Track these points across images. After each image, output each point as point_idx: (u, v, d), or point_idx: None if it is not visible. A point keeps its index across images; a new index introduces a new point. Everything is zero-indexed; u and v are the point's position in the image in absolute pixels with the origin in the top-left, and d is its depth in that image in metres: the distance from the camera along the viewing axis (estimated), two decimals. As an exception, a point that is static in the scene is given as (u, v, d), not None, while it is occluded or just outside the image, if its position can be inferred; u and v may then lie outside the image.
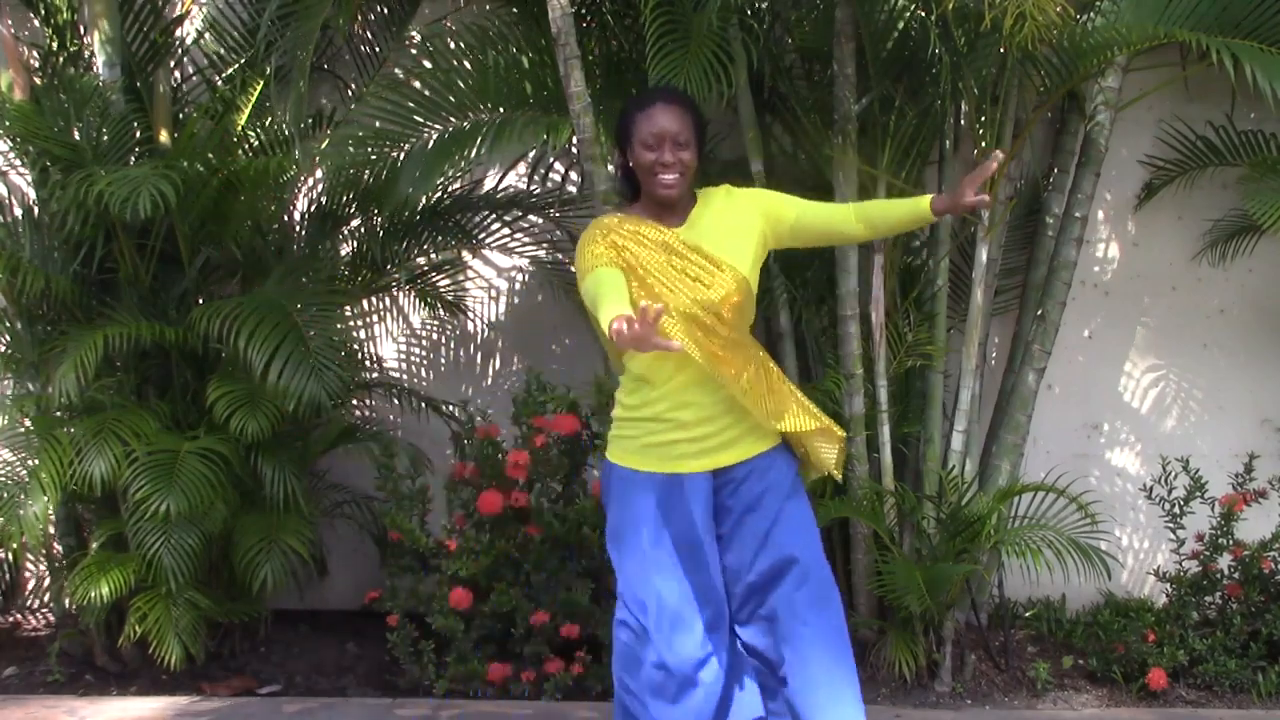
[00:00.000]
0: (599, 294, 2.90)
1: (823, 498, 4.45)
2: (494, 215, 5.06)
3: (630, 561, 3.18)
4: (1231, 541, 4.60)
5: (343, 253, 5.02)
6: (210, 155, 4.36)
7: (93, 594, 4.20)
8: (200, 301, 4.66)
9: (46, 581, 4.89)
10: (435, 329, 5.32)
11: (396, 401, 5.13)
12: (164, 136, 4.66)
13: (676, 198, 3.10)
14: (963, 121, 4.62)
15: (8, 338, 4.64)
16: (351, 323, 5.16)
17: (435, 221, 4.95)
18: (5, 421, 4.49)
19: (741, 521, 3.18)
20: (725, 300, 3.06)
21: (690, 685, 3.12)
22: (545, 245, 5.16)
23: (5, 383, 4.81)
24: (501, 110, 4.36)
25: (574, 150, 4.50)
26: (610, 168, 4.01)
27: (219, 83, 4.87)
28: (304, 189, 4.99)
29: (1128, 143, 5.02)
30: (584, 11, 4.59)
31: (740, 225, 3.14)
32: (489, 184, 5.13)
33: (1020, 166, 4.93)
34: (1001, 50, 4.14)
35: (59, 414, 4.46)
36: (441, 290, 5.16)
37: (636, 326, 2.57)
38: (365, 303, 5.21)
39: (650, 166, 3.05)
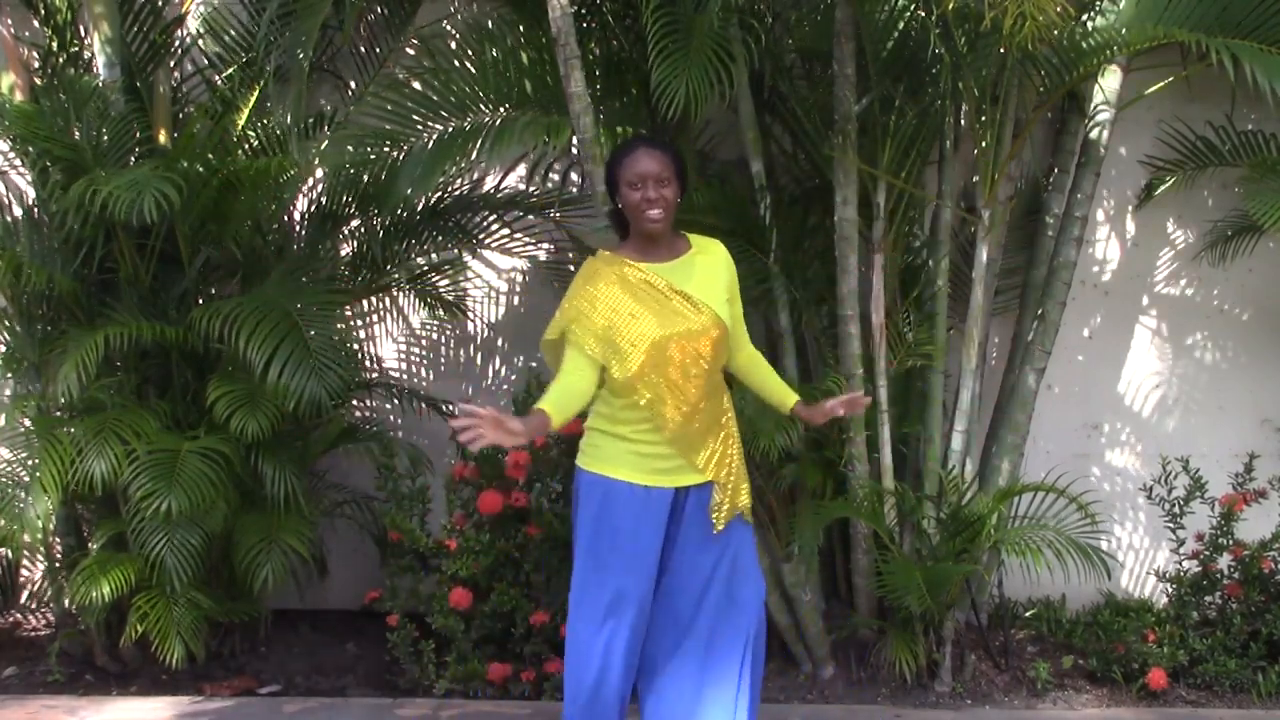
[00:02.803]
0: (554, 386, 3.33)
1: (823, 498, 4.45)
2: (494, 215, 5.06)
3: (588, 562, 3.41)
4: (1231, 541, 4.61)
5: (343, 253, 5.02)
6: (210, 155, 4.36)
7: (93, 594, 4.20)
8: (200, 301, 4.66)
9: (46, 581, 4.89)
10: (435, 329, 5.32)
11: (396, 401, 5.12)
12: (164, 136, 4.66)
13: (662, 231, 3.37)
14: (963, 121, 4.62)
15: (8, 337, 4.64)
16: (351, 323, 5.16)
17: (435, 222, 4.95)
18: (5, 421, 4.49)
19: (688, 540, 3.42)
20: (704, 333, 3.34)
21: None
22: (545, 245, 5.16)
23: (5, 382, 4.81)
24: (502, 110, 4.36)
25: (574, 150, 4.50)
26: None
27: (219, 83, 4.87)
28: (304, 189, 4.99)
29: (1128, 143, 5.02)
30: (584, 11, 4.59)
31: (721, 284, 3.45)
32: (489, 184, 5.13)
33: (1020, 166, 4.93)
34: (1001, 50, 4.14)
35: (59, 414, 4.46)
36: (441, 290, 5.16)
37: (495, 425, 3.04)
38: (365, 303, 5.21)
39: (637, 204, 3.33)
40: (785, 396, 3.61)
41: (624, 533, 3.33)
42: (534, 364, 5.16)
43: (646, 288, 3.34)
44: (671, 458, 3.35)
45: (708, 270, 3.43)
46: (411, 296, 5.20)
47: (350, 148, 4.46)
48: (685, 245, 3.46)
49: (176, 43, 4.96)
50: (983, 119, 4.38)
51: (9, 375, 4.67)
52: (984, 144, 4.40)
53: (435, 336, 5.33)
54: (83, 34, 4.83)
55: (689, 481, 3.38)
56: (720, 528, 3.41)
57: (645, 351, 3.27)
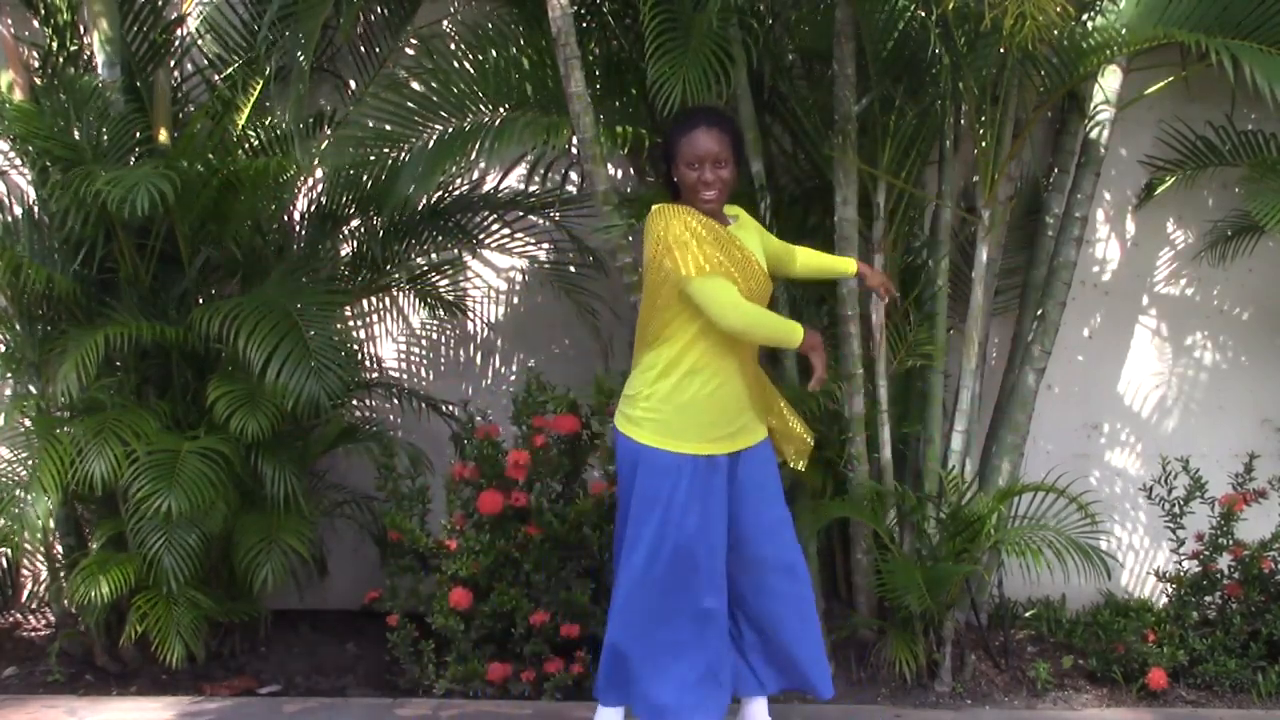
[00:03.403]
0: (764, 317, 3.49)
1: (823, 498, 4.45)
2: (494, 215, 5.06)
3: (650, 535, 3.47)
4: (1231, 541, 4.60)
5: (343, 253, 5.01)
6: (210, 155, 4.36)
7: (93, 594, 4.19)
8: (200, 301, 4.66)
9: (46, 581, 4.89)
10: (435, 329, 5.32)
11: (396, 401, 5.13)
12: (164, 136, 4.65)
13: (716, 211, 3.47)
14: (963, 121, 4.62)
15: (8, 337, 4.64)
16: (351, 323, 5.16)
17: (435, 221, 4.95)
18: (5, 421, 4.49)
19: (744, 501, 3.59)
20: (761, 288, 3.51)
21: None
22: (545, 245, 5.16)
23: (5, 383, 4.81)
24: (501, 110, 4.36)
25: (574, 150, 4.49)
26: (610, 168, 4.06)
27: (219, 83, 4.87)
28: (304, 189, 4.99)
29: (1128, 143, 5.02)
30: (584, 11, 4.59)
31: (759, 246, 3.63)
32: (489, 184, 5.13)
33: (1020, 166, 4.93)
34: (1001, 50, 4.14)
35: (59, 414, 4.46)
36: (441, 290, 5.16)
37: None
38: (365, 303, 5.21)
39: (694, 184, 3.41)
40: (844, 265, 3.91)
41: (693, 503, 3.41)
42: (533, 363, 5.16)
43: (724, 240, 3.43)
44: (731, 422, 3.45)
45: (748, 236, 3.59)
46: (411, 296, 5.20)
47: (350, 148, 4.47)
48: (726, 217, 3.58)
49: (176, 43, 4.96)
50: (983, 119, 4.39)
51: (9, 375, 4.67)
52: (984, 144, 4.40)
53: (435, 336, 5.33)
54: (83, 34, 4.83)
55: (744, 445, 3.53)
56: (800, 465, 3.70)
57: None
